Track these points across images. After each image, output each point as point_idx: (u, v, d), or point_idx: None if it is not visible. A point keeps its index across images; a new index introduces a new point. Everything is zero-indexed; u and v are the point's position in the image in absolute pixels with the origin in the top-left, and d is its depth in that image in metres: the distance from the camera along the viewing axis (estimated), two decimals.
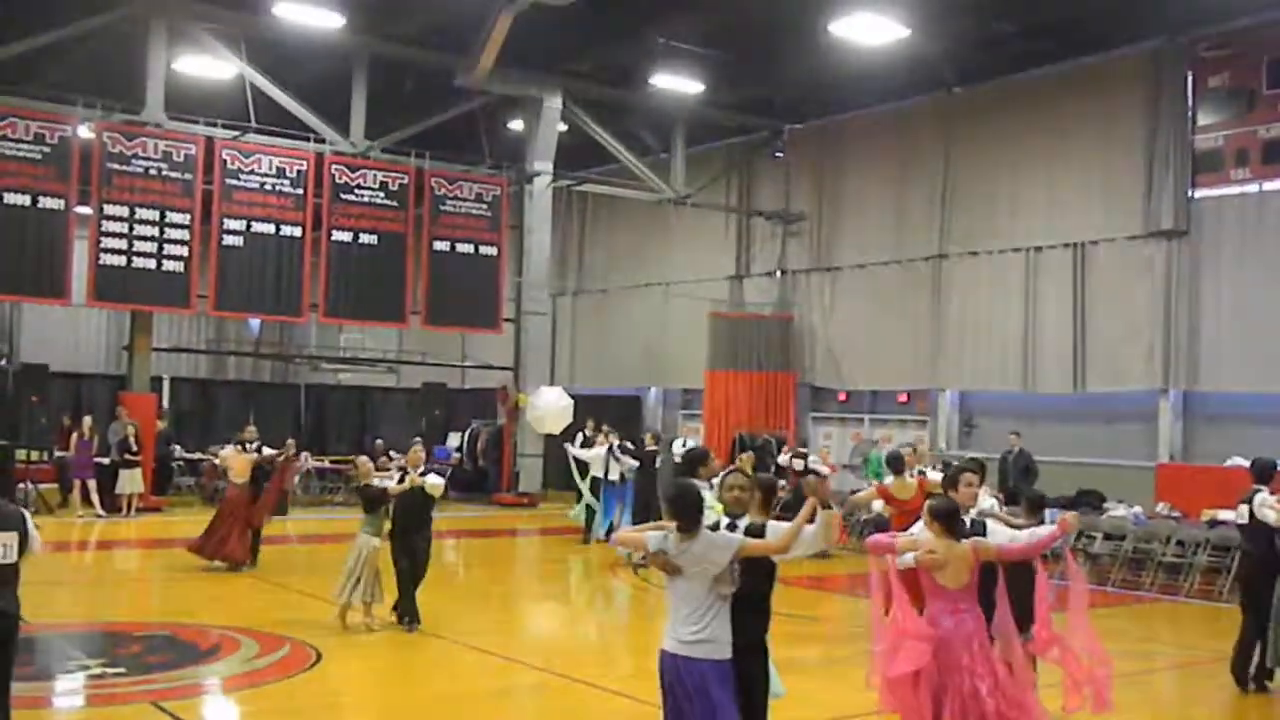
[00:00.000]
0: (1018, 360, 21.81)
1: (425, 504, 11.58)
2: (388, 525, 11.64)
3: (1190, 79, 19.91)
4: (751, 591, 6.03)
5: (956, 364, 23.03)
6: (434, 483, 11.55)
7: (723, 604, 5.84)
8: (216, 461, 16.57)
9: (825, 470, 18.21)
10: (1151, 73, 20.32)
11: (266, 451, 15.77)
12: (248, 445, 15.67)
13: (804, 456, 19.07)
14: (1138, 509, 17.16)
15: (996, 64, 21.93)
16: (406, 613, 11.55)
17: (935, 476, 10.80)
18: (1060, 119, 21.44)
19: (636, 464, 18.47)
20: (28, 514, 6.95)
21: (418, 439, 12.52)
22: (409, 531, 11.54)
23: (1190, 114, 19.96)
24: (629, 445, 19.10)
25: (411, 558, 11.51)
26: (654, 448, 19.11)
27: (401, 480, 11.52)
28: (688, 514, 5.85)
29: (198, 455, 24.10)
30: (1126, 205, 20.49)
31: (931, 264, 23.53)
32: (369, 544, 11.47)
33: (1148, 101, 20.30)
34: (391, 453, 15.77)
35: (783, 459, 19.47)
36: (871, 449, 22.24)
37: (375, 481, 11.76)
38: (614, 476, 18.65)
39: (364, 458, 13.22)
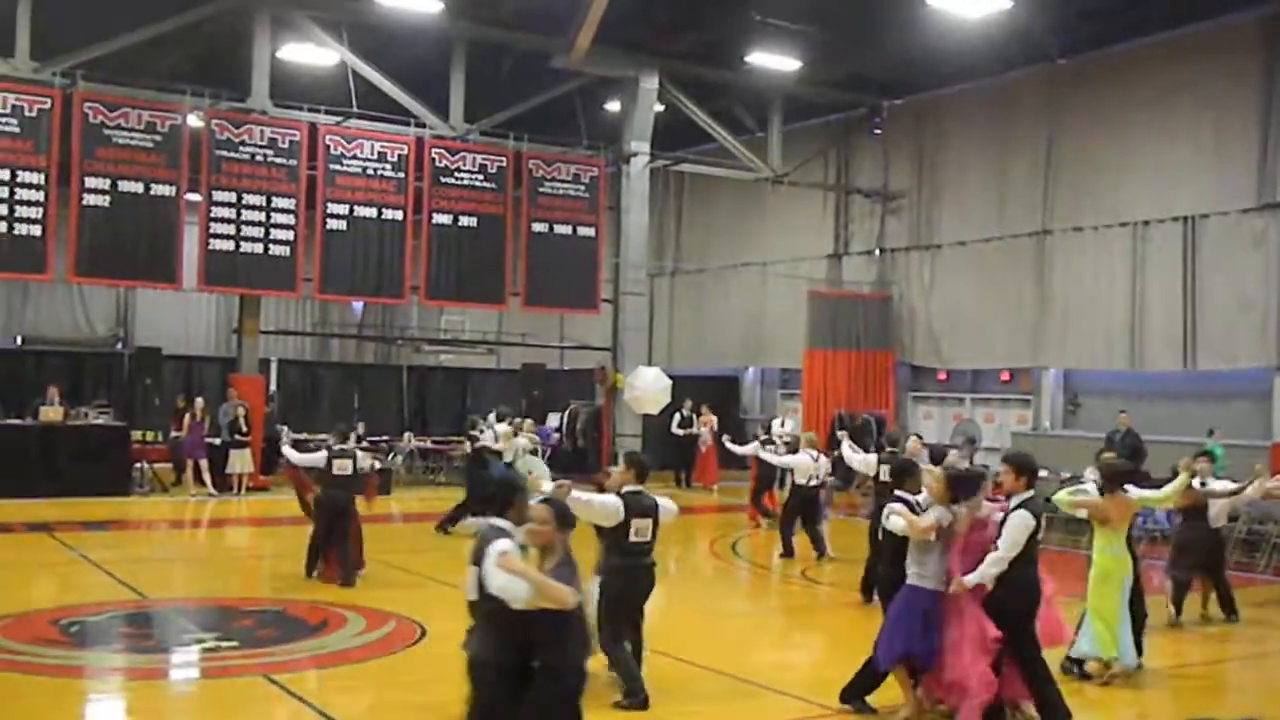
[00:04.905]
0: (1124, 338, 21.33)
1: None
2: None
3: None
4: None
5: (1060, 342, 22.60)
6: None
7: None
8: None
9: None
10: (1265, 38, 19.69)
11: (374, 465, 14.38)
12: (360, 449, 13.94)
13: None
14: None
15: (1102, 34, 21.40)
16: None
17: None
18: (1169, 89, 20.88)
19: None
20: (499, 547, 5.50)
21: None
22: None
23: None
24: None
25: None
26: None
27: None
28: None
29: (304, 436, 24.54)
30: (1239, 177, 19.91)
31: (1035, 240, 23.11)
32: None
33: (1261, 68, 19.68)
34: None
35: None
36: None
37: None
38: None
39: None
